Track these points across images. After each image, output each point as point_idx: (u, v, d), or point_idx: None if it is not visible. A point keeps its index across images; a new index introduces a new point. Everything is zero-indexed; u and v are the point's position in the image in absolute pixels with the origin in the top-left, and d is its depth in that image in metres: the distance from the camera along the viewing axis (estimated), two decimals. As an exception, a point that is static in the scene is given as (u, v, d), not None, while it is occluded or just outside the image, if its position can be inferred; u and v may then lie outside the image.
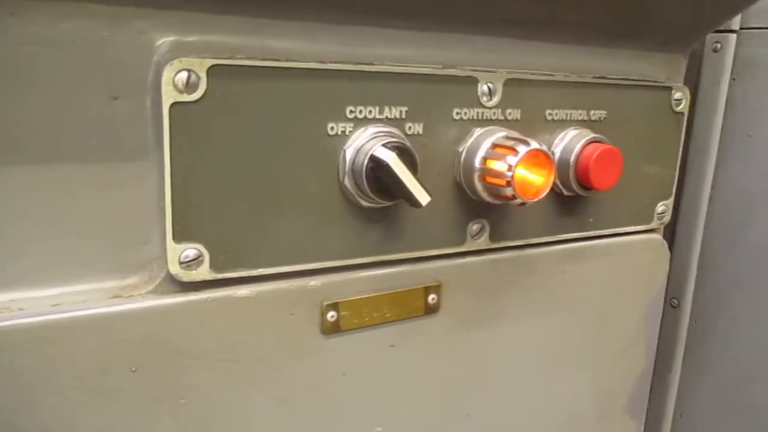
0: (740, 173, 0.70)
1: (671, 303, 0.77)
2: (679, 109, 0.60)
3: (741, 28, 0.68)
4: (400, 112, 0.46)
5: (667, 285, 0.76)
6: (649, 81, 0.58)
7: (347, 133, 0.44)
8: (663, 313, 0.77)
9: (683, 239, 0.75)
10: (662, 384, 0.80)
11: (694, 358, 0.77)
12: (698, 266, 0.75)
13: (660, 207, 0.62)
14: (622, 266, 0.61)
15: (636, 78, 0.57)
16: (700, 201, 0.73)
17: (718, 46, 0.70)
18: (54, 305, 0.38)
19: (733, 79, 0.69)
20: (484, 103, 0.49)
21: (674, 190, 0.63)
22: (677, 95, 0.59)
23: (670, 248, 0.75)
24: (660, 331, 0.77)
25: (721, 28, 0.68)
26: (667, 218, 0.63)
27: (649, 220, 0.62)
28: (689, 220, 0.74)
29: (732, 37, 0.69)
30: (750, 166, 0.69)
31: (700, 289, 0.75)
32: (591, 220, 0.57)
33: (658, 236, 0.63)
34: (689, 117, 0.71)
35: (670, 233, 0.75)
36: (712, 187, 0.72)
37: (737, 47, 0.69)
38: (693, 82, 0.71)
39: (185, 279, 0.41)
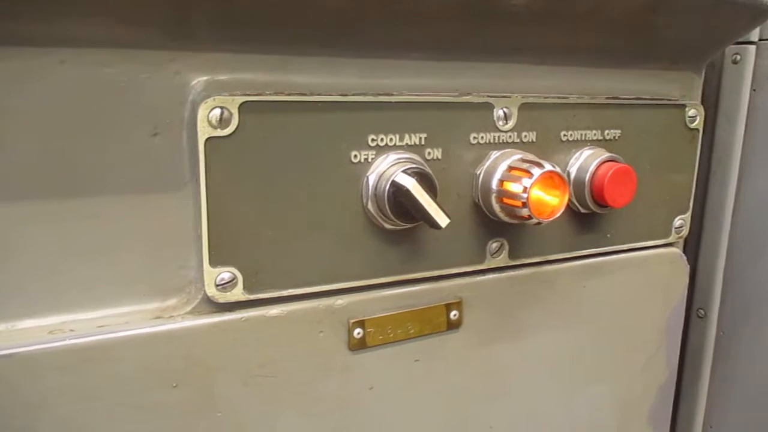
0: (763, 183, 0.70)
1: (698, 314, 0.77)
2: (693, 125, 0.60)
3: (760, 40, 0.68)
4: (420, 138, 0.47)
5: (694, 296, 0.76)
6: (662, 99, 0.59)
7: (369, 160, 0.45)
8: (690, 324, 0.77)
9: (708, 250, 0.75)
10: (691, 395, 0.79)
11: (722, 369, 0.76)
12: (724, 276, 0.74)
13: (677, 221, 0.62)
14: (640, 280, 0.61)
15: (649, 97, 0.58)
16: (724, 212, 0.73)
17: (738, 57, 0.70)
18: (100, 326, 0.41)
19: (754, 90, 0.69)
20: (500, 127, 0.50)
21: (691, 204, 0.63)
22: (691, 112, 0.60)
23: (696, 259, 0.75)
24: (687, 342, 0.77)
25: (740, 40, 0.68)
26: (685, 232, 0.63)
27: (667, 235, 0.62)
28: (714, 230, 0.74)
29: (751, 48, 0.69)
30: (773, 176, 0.69)
31: (726, 299, 0.74)
32: (608, 235, 0.58)
33: (676, 250, 0.63)
34: (711, 128, 0.72)
35: (695, 244, 0.75)
36: (736, 198, 0.72)
37: (757, 58, 0.69)
38: (714, 94, 0.71)
39: (221, 300, 0.43)
